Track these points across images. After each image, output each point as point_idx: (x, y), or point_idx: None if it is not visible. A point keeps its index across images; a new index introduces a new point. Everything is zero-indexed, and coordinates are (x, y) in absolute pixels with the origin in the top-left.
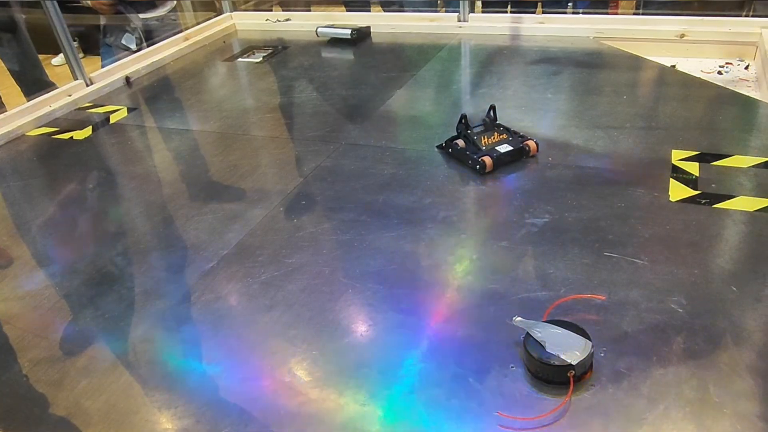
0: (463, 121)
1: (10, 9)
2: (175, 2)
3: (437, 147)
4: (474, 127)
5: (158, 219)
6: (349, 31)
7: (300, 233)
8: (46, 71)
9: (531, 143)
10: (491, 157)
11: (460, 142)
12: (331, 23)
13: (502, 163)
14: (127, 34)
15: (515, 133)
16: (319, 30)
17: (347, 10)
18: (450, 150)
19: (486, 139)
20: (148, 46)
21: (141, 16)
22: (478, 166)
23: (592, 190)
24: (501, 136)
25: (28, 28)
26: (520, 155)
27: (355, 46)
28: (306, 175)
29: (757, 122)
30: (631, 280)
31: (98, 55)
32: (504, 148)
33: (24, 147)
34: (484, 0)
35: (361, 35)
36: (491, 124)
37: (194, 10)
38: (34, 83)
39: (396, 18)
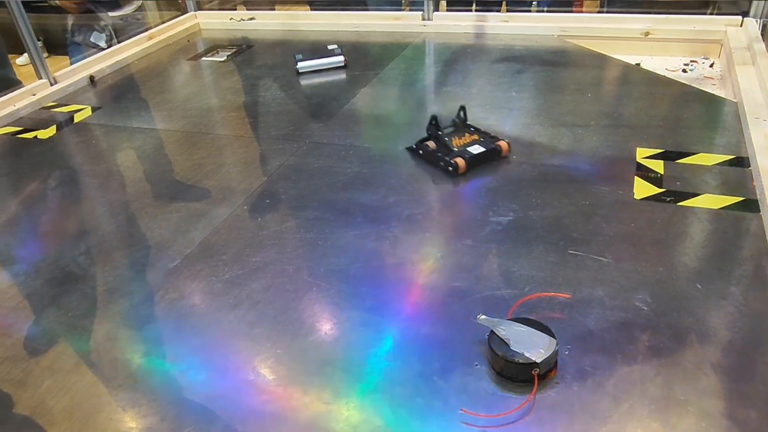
0: (433, 122)
1: None
2: (140, 2)
3: (407, 149)
4: (444, 128)
5: (122, 218)
6: (342, 59)
7: (264, 232)
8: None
9: (503, 143)
10: (464, 158)
11: (431, 144)
12: (311, 56)
13: (475, 164)
14: (95, 32)
15: (486, 133)
16: (300, 65)
17: (311, 10)
18: (421, 152)
19: (457, 140)
20: (111, 47)
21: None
22: (450, 168)
23: (556, 188)
24: (472, 137)
25: None
26: (493, 156)
27: (321, 44)
28: (270, 174)
29: (721, 120)
30: (596, 278)
31: (63, 54)
32: (476, 149)
33: None
34: None
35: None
36: (462, 124)
37: (159, 9)
38: (1, 81)
39: (360, 17)
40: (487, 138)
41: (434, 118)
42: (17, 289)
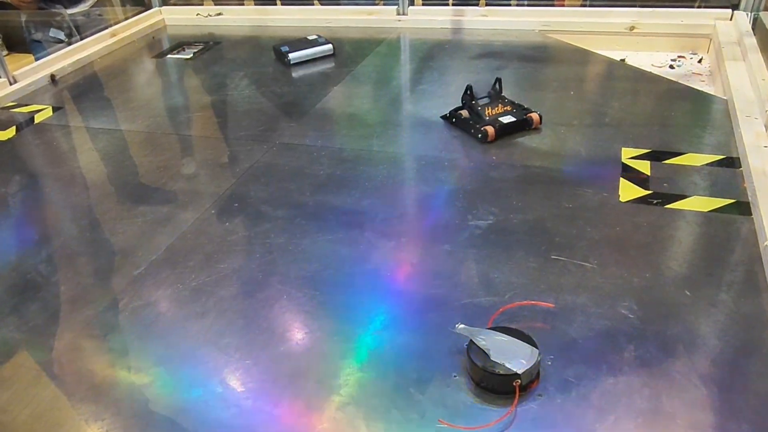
0: (468, 92)
1: None
2: None
3: (442, 117)
4: (479, 98)
5: (85, 223)
6: (330, 47)
7: (232, 237)
8: None
9: (534, 115)
10: (494, 127)
11: (464, 113)
12: (297, 47)
13: (505, 133)
14: (52, 27)
15: (519, 105)
16: (292, 56)
17: (282, 4)
18: (454, 120)
19: (489, 110)
20: (73, 44)
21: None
22: (480, 135)
23: (538, 190)
24: (505, 108)
25: None
26: (523, 126)
27: (292, 40)
28: (239, 176)
29: (710, 118)
30: (580, 285)
31: (23, 52)
32: (507, 119)
33: None
34: None
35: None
36: (496, 96)
37: (122, 5)
38: None
39: (333, 12)
40: (520, 109)
41: (469, 87)
42: None
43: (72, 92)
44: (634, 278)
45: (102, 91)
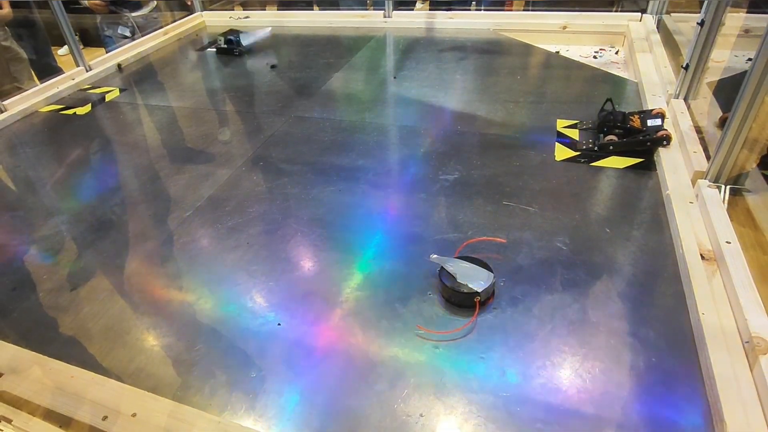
0: (611, 117)
1: (29, 8)
2: (156, 2)
3: (587, 152)
4: (587, 124)
5: (145, 178)
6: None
7: (258, 188)
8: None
9: (660, 110)
10: (665, 130)
11: (614, 138)
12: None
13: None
14: (121, 26)
15: (632, 112)
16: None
17: (294, 9)
18: (611, 148)
19: (634, 122)
20: (135, 40)
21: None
22: (665, 142)
23: (493, 152)
24: (635, 117)
25: (43, 24)
26: (663, 123)
27: (303, 37)
28: (263, 142)
29: (625, 96)
30: (525, 224)
31: (96, 46)
32: (654, 122)
33: (37, 120)
34: (404, 0)
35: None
36: (612, 112)
37: (171, 10)
38: (45, 68)
39: (333, 15)
40: (645, 113)
41: (614, 111)
42: (63, 234)
43: (134, 77)
44: (567, 219)
45: (157, 76)
